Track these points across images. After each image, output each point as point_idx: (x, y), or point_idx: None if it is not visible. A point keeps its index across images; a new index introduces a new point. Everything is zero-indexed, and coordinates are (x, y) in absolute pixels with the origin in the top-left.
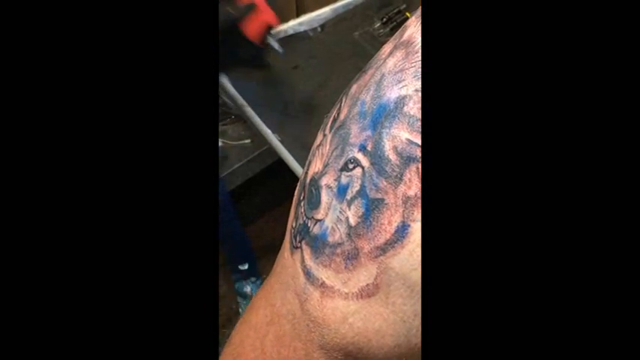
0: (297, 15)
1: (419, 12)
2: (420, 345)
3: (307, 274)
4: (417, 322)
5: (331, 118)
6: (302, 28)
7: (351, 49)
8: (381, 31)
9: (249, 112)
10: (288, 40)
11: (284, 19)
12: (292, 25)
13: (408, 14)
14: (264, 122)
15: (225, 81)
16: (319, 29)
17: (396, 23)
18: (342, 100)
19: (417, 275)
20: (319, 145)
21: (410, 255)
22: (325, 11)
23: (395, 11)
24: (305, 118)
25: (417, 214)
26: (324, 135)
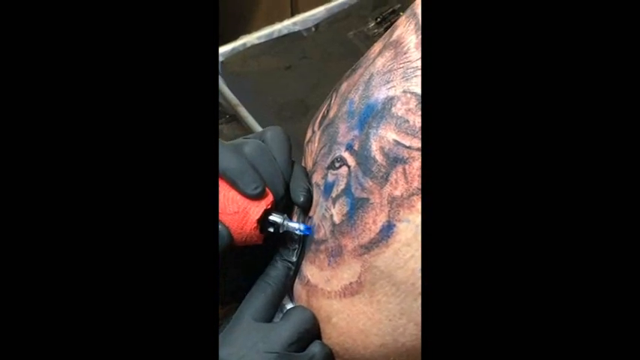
0: (292, 15)
1: (409, 12)
2: (407, 344)
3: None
4: (404, 320)
5: (320, 114)
6: (296, 28)
7: (345, 49)
8: (376, 31)
9: (243, 112)
10: (282, 40)
11: (278, 18)
12: (286, 25)
13: (402, 14)
14: (258, 122)
15: (219, 81)
16: (313, 29)
17: (390, 23)
18: (332, 96)
19: (402, 274)
20: (308, 141)
21: (395, 254)
22: (319, 11)
23: (389, 11)
24: (299, 118)
25: (404, 214)
26: (313, 132)
